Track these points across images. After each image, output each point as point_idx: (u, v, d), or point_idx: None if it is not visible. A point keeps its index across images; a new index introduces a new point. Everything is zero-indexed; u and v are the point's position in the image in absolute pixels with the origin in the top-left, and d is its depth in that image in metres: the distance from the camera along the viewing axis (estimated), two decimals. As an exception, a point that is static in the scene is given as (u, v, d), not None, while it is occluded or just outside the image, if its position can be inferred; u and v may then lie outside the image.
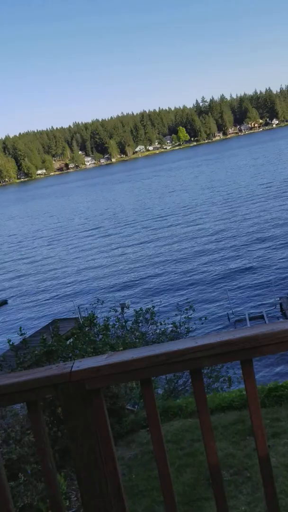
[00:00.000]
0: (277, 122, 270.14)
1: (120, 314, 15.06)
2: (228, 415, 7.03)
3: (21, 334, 9.16)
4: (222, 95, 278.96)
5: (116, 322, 11.50)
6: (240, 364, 1.64)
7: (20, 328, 9.52)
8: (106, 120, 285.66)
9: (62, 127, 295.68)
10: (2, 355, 9.43)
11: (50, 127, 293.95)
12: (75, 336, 9.79)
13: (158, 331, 11.67)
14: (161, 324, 11.73)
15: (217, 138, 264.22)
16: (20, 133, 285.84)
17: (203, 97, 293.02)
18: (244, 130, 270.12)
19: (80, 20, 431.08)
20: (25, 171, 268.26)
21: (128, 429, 7.17)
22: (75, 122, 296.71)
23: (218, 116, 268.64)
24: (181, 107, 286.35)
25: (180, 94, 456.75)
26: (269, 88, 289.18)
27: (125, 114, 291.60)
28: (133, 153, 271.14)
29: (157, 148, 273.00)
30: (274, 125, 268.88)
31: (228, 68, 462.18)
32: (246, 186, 73.06)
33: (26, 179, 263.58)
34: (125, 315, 15.55)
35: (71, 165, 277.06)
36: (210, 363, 1.64)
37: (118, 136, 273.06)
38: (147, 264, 38.71)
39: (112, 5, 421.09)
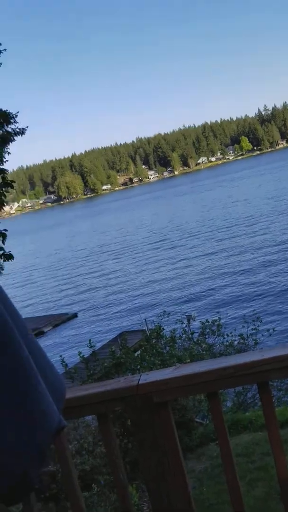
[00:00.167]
0: None
1: (186, 326, 14.98)
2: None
3: (91, 347, 9.40)
4: (285, 102, 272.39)
5: (182, 334, 11.47)
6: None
7: (90, 340, 9.78)
8: (168, 133, 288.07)
9: (125, 142, 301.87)
10: (73, 367, 9.67)
11: (114, 143, 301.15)
12: (143, 348, 9.86)
13: (225, 343, 11.51)
14: (227, 335, 11.57)
15: (281, 146, 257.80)
16: (85, 151, 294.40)
17: (265, 105, 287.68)
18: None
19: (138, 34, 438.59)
20: (91, 187, 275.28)
21: (197, 442, 7.10)
22: (138, 137, 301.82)
23: (281, 124, 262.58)
24: (243, 117, 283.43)
25: (242, 103, 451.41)
26: None
27: (187, 126, 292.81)
28: (196, 165, 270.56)
29: (220, 159, 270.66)
30: None
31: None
32: (314, 193, 70.76)
33: (92, 195, 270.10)
34: (191, 327, 15.43)
35: (135, 180, 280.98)
36: (279, 376, 1.62)
37: (180, 149, 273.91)
38: (213, 276, 38.27)
39: (185, 15, 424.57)
